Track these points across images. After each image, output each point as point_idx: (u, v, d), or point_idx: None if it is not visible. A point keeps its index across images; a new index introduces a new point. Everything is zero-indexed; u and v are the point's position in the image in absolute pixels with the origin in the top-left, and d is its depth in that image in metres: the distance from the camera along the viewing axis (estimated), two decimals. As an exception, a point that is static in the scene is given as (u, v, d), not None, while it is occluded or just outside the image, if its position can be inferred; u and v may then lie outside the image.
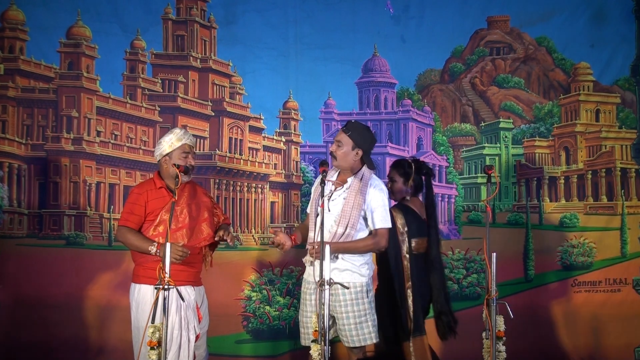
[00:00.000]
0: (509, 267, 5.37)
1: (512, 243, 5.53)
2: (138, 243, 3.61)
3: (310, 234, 3.75)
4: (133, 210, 3.67)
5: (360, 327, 3.67)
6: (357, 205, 3.66)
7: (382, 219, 3.73)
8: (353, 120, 3.90)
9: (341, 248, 3.65)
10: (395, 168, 4.20)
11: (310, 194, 4.00)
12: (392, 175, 4.19)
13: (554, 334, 5.30)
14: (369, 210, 3.71)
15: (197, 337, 3.66)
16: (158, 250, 3.51)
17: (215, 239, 3.78)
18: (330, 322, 3.62)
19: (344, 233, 3.65)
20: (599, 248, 5.49)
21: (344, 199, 3.70)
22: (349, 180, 3.74)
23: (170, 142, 3.71)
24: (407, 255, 4.01)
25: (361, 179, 3.72)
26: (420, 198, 4.25)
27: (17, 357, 5.09)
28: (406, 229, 4.02)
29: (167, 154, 3.71)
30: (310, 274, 3.73)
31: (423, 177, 4.18)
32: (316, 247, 3.48)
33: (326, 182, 3.59)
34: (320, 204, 3.42)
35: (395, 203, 4.20)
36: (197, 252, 3.75)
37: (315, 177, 5.05)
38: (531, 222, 5.61)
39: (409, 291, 3.97)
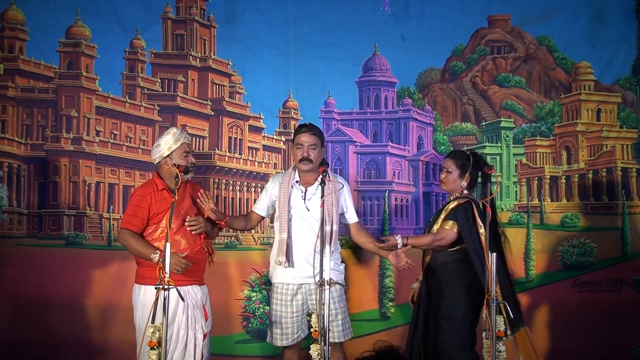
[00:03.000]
0: (509, 267, 5.35)
1: (513, 243, 5.43)
2: (140, 249, 3.59)
3: (302, 238, 3.92)
4: (136, 213, 3.65)
5: (344, 323, 3.92)
6: (336, 202, 3.94)
7: (355, 213, 4.16)
8: (308, 123, 4.13)
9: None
10: (452, 158, 4.17)
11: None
12: (446, 166, 4.14)
13: (555, 334, 5.29)
14: (345, 206, 4.04)
15: (204, 336, 3.67)
16: (160, 259, 3.48)
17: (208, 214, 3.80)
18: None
19: (331, 230, 3.85)
20: (600, 248, 5.48)
21: (321, 197, 3.72)
22: (319, 178, 3.80)
23: (169, 144, 3.71)
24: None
25: (329, 177, 3.90)
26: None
27: (17, 356, 5.10)
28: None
29: (167, 156, 3.71)
30: (290, 275, 3.87)
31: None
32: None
33: (294, 184, 3.93)
34: (320, 204, 3.52)
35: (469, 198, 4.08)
36: (201, 251, 3.75)
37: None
38: (532, 221, 5.59)
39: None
